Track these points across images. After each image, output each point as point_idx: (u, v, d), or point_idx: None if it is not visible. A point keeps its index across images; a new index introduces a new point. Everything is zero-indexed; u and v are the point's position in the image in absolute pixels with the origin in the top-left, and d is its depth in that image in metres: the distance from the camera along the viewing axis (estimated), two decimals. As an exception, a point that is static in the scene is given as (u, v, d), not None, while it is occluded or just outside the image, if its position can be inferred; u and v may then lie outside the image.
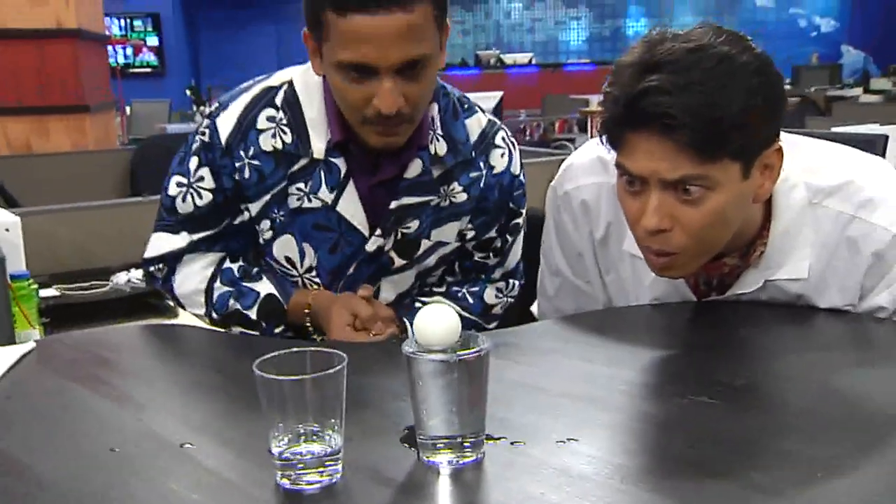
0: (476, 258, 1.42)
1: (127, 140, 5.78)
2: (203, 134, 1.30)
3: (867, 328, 1.18)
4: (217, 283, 1.33)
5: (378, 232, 1.29)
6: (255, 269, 1.35)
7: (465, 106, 1.35)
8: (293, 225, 1.29)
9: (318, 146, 1.25)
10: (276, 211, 1.29)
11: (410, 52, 1.11)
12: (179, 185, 1.31)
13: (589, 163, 1.29)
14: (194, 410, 0.94)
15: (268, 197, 1.28)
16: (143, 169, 3.88)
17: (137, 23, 10.87)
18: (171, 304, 1.41)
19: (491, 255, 1.42)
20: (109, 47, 6.85)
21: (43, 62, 4.06)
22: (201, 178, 1.29)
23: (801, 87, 9.41)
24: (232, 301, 1.31)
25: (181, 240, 1.32)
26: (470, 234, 1.37)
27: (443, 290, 1.42)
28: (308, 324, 1.29)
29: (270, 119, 1.26)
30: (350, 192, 1.27)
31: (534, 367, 1.07)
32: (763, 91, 1.02)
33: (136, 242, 1.42)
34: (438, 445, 0.79)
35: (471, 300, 1.41)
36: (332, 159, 1.25)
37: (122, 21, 10.74)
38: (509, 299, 1.45)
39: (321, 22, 1.13)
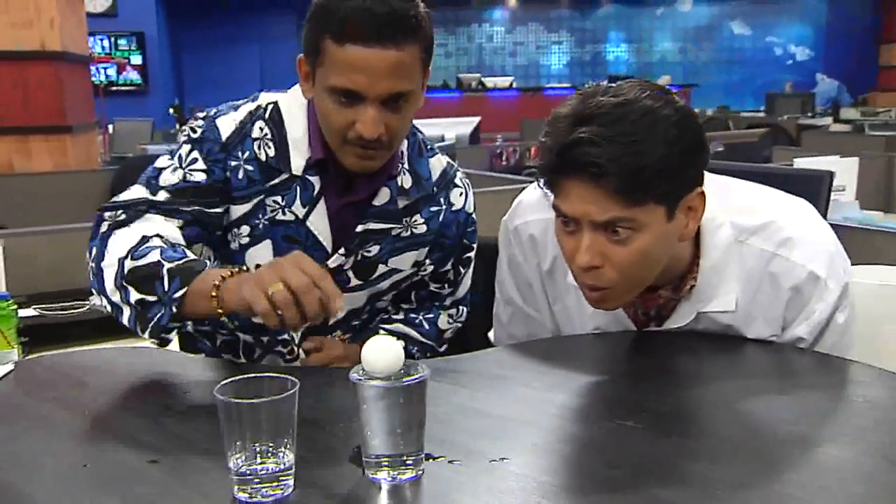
0: (431, 288, 1.52)
1: (109, 158, 5.83)
2: (195, 131, 1.35)
3: (790, 359, 1.28)
4: (154, 241, 1.24)
5: (342, 251, 1.37)
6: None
7: (429, 147, 1.47)
8: (269, 234, 1.36)
9: (298, 163, 1.34)
10: (259, 217, 1.35)
11: (396, 86, 1.22)
12: (170, 162, 1.34)
13: (536, 200, 1.39)
14: (161, 429, 1.01)
15: (255, 201, 1.35)
16: (123, 190, 3.95)
17: (122, 41, 10.93)
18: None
19: (445, 285, 1.53)
20: (93, 65, 6.92)
21: (26, 83, 4.13)
22: (194, 161, 1.33)
23: (774, 114, 9.61)
24: (156, 253, 1.20)
25: (154, 196, 1.31)
26: (429, 269, 1.48)
27: (401, 317, 1.52)
28: (214, 294, 1.13)
29: (261, 130, 1.35)
30: (321, 209, 1.36)
31: (478, 391, 1.16)
32: (683, 141, 1.12)
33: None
34: (382, 463, 0.88)
35: (427, 326, 1.51)
36: (309, 177, 1.34)
37: (108, 40, 10.81)
38: (458, 324, 1.56)
39: (319, 48, 1.23)
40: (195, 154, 1.33)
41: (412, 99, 1.26)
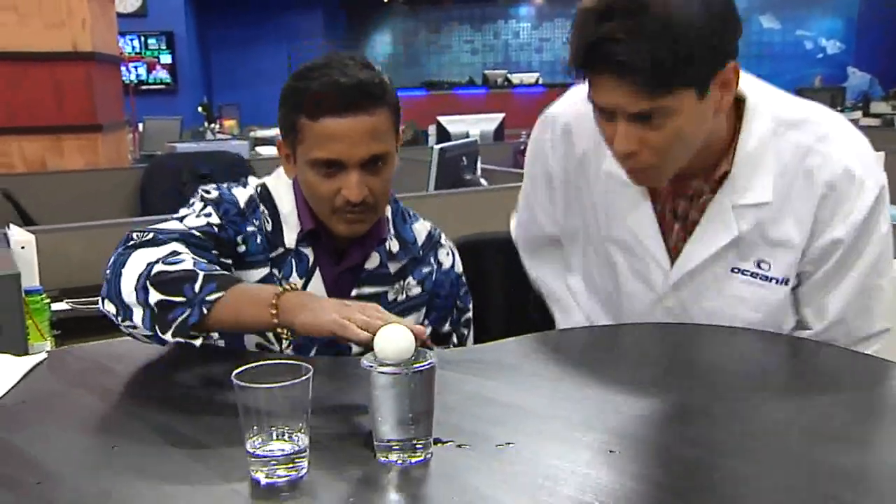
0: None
1: (139, 156, 5.93)
2: (209, 193, 1.39)
3: (811, 351, 1.29)
4: (186, 255, 1.25)
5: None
6: None
7: (410, 213, 1.54)
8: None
9: (290, 237, 1.40)
10: (271, 283, 1.38)
11: (373, 149, 1.30)
12: (189, 211, 1.37)
13: (582, 89, 1.35)
14: (185, 415, 1.06)
15: (265, 271, 1.39)
16: (152, 187, 4.04)
17: (152, 41, 11.09)
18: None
19: (451, 346, 1.54)
20: (124, 65, 7.03)
21: (59, 84, 4.21)
22: (209, 215, 1.36)
23: (803, 109, 9.47)
24: (189, 262, 1.21)
25: (184, 227, 1.33)
26: (428, 330, 1.47)
27: None
28: (275, 308, 1.13)
29: (262, 206, 1.41)
30: (317, 279, 1.41)
31: (488, 380, 1.19)
32: (708, 23, 1.12)
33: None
34: (392, 447, 0.92)
35: None
36: (302, 249, 1.40)
37: (138, 39, 10.96)
38: None
39: (296, 128, 1.32)
40: (210, 210, 1.37)
41: (389, 160, 1.34)
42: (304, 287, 1.40)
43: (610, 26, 1.11)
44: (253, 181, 1.46)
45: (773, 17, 14.49)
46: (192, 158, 4.34)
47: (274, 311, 1.12)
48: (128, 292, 1.20)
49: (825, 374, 1.25)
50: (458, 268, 1.55)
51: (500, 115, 5.74)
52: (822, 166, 1.23)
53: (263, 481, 0.88)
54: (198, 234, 1.32)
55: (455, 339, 1.56)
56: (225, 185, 1.44)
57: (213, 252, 1.34)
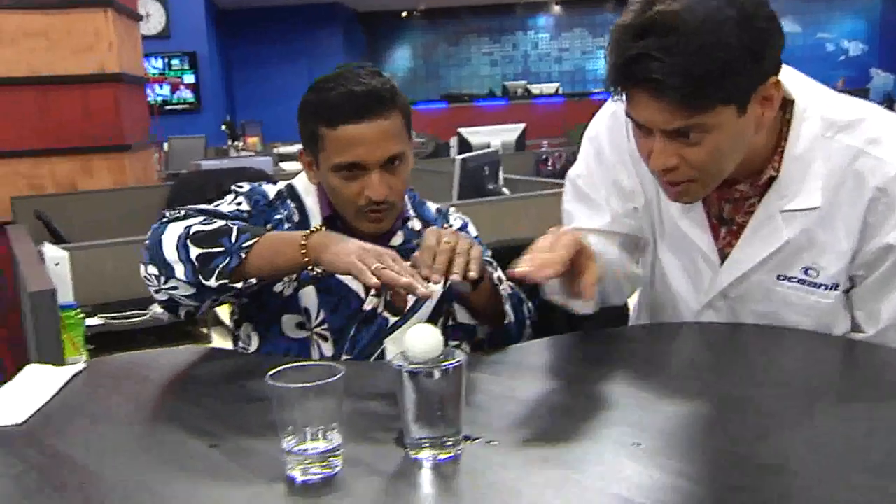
0: None
1: (165, 175, 6.02)
2: (241, 187, 1.50)
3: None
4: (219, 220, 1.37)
5: (373, 292, 1.45)
6: None
7: (422, 199, 1.62)
8: (312, 282, 1.44)
9: (315, 224, 1.46)
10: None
11: (391, 150, 1.39)
12: (220, 201, 1.48)
13: None
14: (220, 418, 1.09)
15: None
16: (178, 204, 4.09)
17: (175, 61, 11.24)
18: (198, 323, 1.47)
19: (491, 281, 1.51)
20: (149, 86, 7.14)
21: (87, 105, 4.30)
22: (239, 204, 1.47)
23: (826, 112, 9.40)
24: (222, 221, 1.35)
25: (214, 208, 1.45)
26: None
27: None
28: (304, 247, 1.27)
29: (290, 201, 1.51)
30: None
31: (516, 380, 1.21)
32: (748, 40, 1.09)
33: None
34: (423, 444, 0.94)
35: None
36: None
37: (162, 60, 11.13)
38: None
39: (316, 137, 1.40)
40: (242, 199, 1.48)
41: (405, 159, 1.43)
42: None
43: (646, 43, 1.09)
44: (280, 182, 1.56)
45: (794, 21, 14.42)
46: (217, 175, 4.40)
47: (304, 251, 1.26)
48: (169, 251, 1.32)
49: (868, 373, 1.25)
50: (472, 230, 1.61)
51: (521, 126, 5.77)
52: (872, 170, 1.20)
53: (299, 479, 0.90)
54: (228, 214, 1.42)
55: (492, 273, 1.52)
56: (256, 183, 1.53)
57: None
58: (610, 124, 1.45)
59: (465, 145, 5.25)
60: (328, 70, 1.44)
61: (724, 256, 1.35)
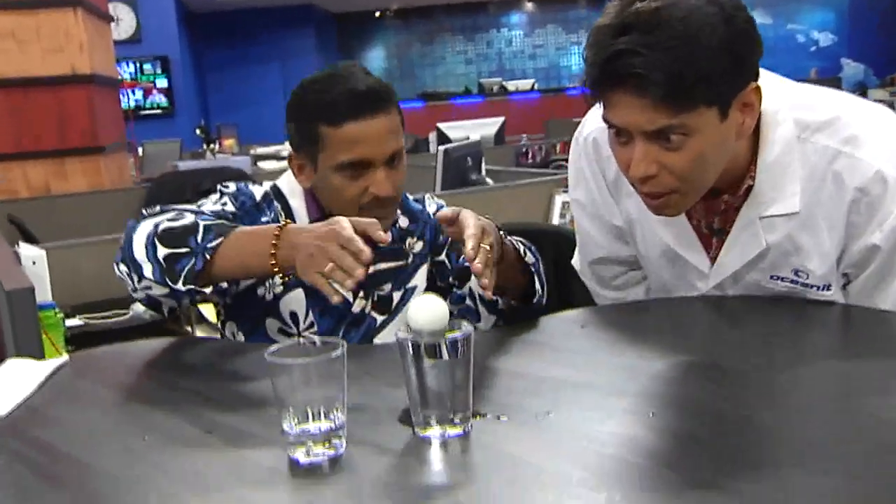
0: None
1: (140, 181, 5.93)
2: (228, 187, 1.44)
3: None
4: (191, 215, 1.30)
5: (361, 294, 1.43)
6: None
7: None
8: (299, 284, 1.40)
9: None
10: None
11: (394, 146, 1.38)
12: (205, 201, 1.42)
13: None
14: (215, 405, 1.04)
15: None
16: (156, 205, 4.02)
17: (147, 66, 11.09)
18: (182, 322, 1.43)
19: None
20: (122, 90, 7.05)
21: (60, 107, 4.22)
22: (225, 205, 1.41)
23: (800, 101, 9.48)
24: (192, 217, 1.27)
25: (196, 208, 1.38)
26: (444, 251, 1.52)
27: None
28: (274, 247, 1.17)
29: (276, 203, 1.46)
30: None
31: (523, 356, 1.18)
32: (730, 39, 1.07)
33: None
34: (430, 421, 0.90)
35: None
36: None
37: (134, 65, 10.98)
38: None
39: (317, 137, 1.36)
40: (227, 200, 1.42)
41: (403, 156, 1.42)
42: None
43: (628, 39, 1.07)
44: (265, 184, 1.51)
45: (765, 13, 14.54)
46: (194, 175, 4.34)
47: (274, 263, 1.16)
48: (139, 250, 1.25)
49: (869, 335, 1.23)
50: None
51: (501, 119, 5.74)
52: (851, 170, 1.17)
53: (302, 461, 0.86)
54: (209, 214, 1.34)
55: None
56: (242, 183, 1.48)
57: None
58: (591, 153, 1.42)
59: (444, 140, 5.21)
60: (302, 71, 1.42)
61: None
